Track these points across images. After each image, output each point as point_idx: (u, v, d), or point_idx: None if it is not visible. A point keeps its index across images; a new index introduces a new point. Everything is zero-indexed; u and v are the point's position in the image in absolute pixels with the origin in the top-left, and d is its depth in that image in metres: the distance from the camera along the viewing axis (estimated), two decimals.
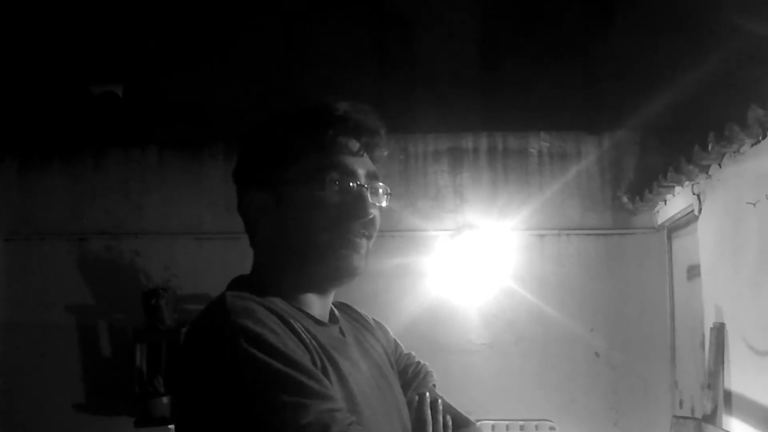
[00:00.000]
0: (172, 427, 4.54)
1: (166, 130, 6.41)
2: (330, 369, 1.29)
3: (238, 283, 1.40)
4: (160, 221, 5.62)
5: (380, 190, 1.45)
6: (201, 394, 1.21)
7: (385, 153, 1.49)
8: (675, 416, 4.63)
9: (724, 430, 3.81)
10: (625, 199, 5.35)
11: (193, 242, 5.55)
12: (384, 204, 1.46)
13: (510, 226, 5.41)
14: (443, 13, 7.28)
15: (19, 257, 5.64)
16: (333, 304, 1.52)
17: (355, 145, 1.42)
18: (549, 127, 5.64)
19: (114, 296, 5.59)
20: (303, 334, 1.28)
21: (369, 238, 1.42)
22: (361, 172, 1.41)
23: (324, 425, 1.13)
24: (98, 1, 7.06)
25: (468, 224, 5.43)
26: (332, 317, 1.49)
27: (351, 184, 1.39)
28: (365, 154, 1.44)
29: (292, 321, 1.29)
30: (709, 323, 4.21)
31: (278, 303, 1.33)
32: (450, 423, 1.51)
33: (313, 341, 1.30)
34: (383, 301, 5.06)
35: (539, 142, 5.58)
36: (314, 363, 1.25)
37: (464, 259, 5.34)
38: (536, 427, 5.00)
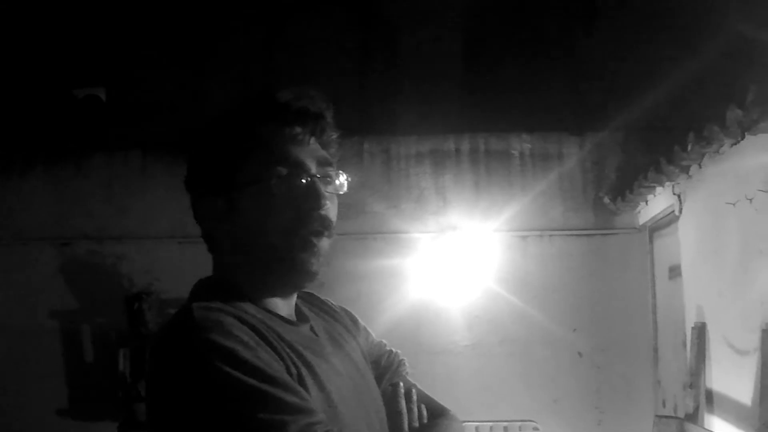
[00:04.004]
0: None
1: (148, 134, 6.38)
2: (306, 374, 1.25)
3: (205, 287, 1.36)
4: (143, 225, 5.59)
5: (335, 177, 1.37)
6: (175, 415, 1.17)
7: (335, 135, 1.39)
8: (657, 415, 4.65)
9: (706, 429, 3.84)
10: (607, 200, 5.37)
11: (177, 246, 5.50)
12: (342, 191, 1.38)
13: (493, 227, 5.42)
14: (426, 14, 7.29)
15: (2, 262, 5.60)
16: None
17: (300, 133, 1.33)
18: (531, 128, 5.65)
19: (97, 300, 5.56)
20: (275, 343, 1.24)
21: (328, 236, 1.34)
22: (311, 162, 1.33)
23: None
24: (79, 3, 7.02)
25: (451, 226, 5.44)
26: (300, 315, 1.43)
27: (300, 177, 1.31)
28: (313, 141, 1.35)
29: (263, 329, 1.24)
30: (690, 323, 4.24)
31: (247, 308, 1.29)
32: (425, 413, 1.48)
33: (287, 348, 1.26)
34: (366, 303, 5.05)
35: (521, 144, 5.60)
36: (290, 372, 1.21)
37: (447, 260, 5.34)
38: (520, 428, 5.01)
